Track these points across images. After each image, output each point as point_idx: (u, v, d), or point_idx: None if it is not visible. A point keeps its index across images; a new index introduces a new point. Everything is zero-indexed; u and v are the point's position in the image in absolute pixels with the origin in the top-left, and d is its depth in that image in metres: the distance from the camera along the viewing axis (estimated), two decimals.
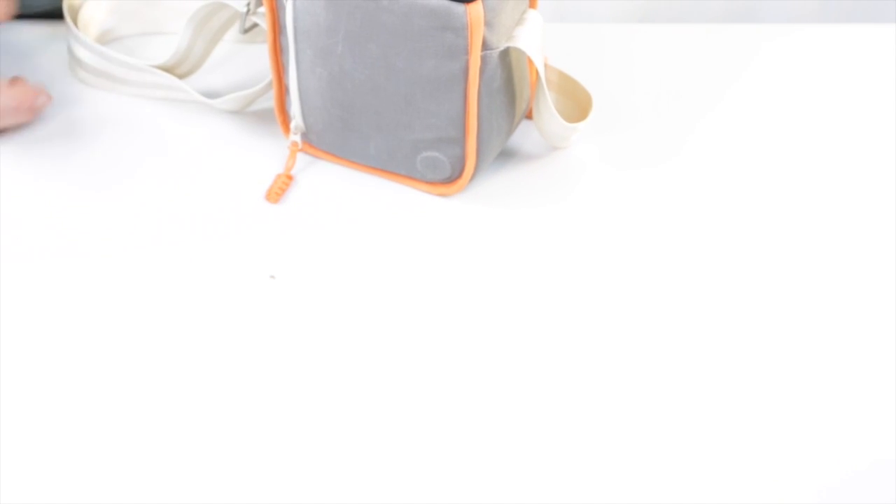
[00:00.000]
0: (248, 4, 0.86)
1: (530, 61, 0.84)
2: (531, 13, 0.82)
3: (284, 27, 0.81)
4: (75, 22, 0.93)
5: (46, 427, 0.69)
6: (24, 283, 0.77)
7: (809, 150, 0.91)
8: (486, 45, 0.77)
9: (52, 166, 0.86)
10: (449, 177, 0.83)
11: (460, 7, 0.74)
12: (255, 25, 0.88)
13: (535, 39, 0.81)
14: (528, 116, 0.90)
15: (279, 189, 0.84)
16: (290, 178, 0.86)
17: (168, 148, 0.89)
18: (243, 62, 0.96)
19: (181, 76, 0.92)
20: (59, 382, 0.71)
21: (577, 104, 0.89)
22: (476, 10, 0.75)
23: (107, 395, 0.71)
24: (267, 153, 0.88)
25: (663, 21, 1.59)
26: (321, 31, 0.79)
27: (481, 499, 0.66)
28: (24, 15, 0.98)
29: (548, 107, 0.83)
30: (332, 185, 0.86)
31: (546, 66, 0.88)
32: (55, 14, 0.98)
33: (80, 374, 0.72)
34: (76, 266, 0.78)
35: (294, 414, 0.70)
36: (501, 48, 0.79)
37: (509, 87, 0.82)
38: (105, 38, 0.97)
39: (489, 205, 0.85)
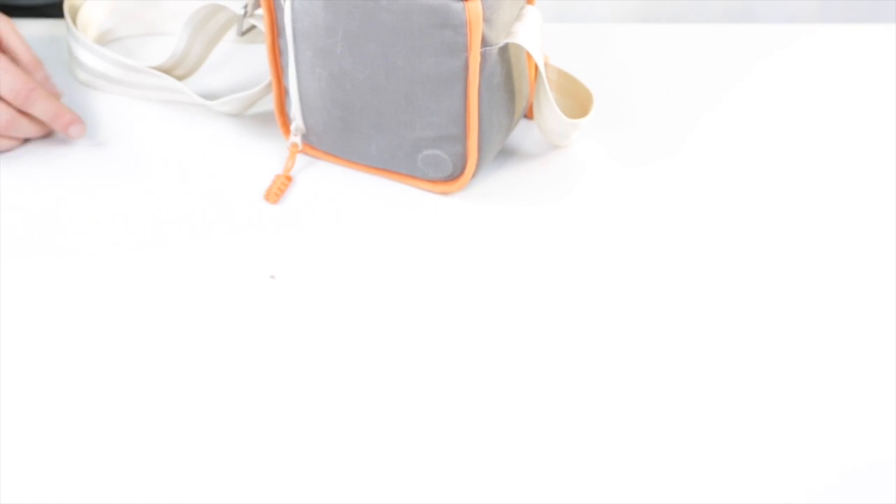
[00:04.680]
0: (246, 6, 0.85)
1: (529, 56, 0.84)
2: (529, 9, 0.82)
3: (283, 29, 0.81)
4: (75, 22, 0.93)
5: (46, 426, 0.68)
6: (23, 283, 0.77)
7: (809, 150, 0.91)
8: (485, 42, 0.77)
9: (50, 167, 0.86)
10: (451, 174, 0.83)
11: (459, 4, 0.74)
12: (252, 27, 0.87)
13: (534, 35, 0.81)
14: (529, 116, 0.90)
15: (278, 189, 0.84)
16: (289, 178, 0.85)
17: (167, 149, 0.88)
18: (242, 63, 0.96)
19: (179, 78, 0.91)
20: (59, 382, 0.71)
21: (577, 103, 0.89)
22: (474, 6, 0.75)
23: (107, 394, 0.70)
24: (267, 155, 0.88)
25: (663, 21, 1.59)
26: (320, 31, 0.78)
27: (481, 498, 0.66)
28: (20, 7, 0.97)
29: (548, 102, 0.83)
30: (332, 184, 0.86)
31: (546, 65, 0.88)
32: (51, 7, 0.97)
33: (79, 373, 0.71)
34: (75, 266, 0.78)
35: (294, 413, 0.70)
36: (501, 44, 0.79)
37: (509, 83, 0.82)
38: (104, 39, 0.97)
39: (491, 203, 0.84)
